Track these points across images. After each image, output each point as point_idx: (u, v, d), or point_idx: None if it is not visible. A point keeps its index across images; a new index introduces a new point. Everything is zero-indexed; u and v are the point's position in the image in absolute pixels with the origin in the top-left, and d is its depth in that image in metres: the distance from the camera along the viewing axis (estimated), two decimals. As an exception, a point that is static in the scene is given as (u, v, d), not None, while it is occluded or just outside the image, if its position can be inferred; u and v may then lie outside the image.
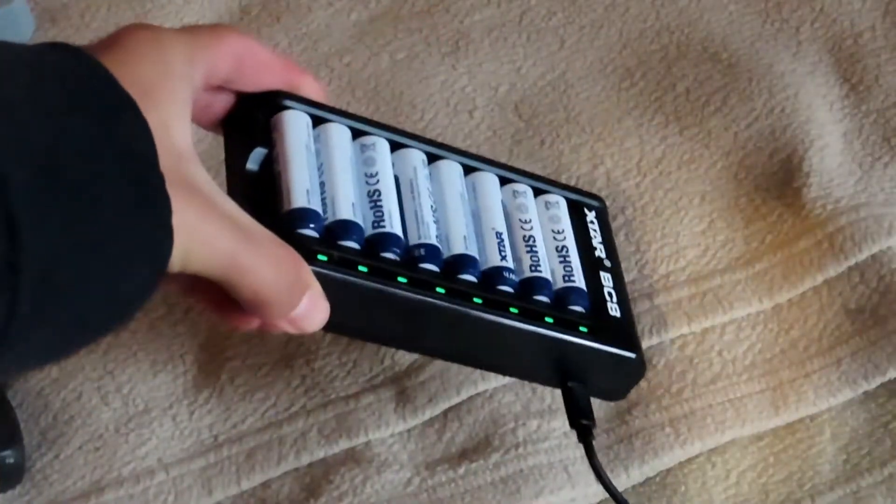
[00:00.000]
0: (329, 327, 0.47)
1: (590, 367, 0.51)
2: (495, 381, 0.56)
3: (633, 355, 0.51)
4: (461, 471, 0.55)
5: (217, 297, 0.45)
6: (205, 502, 0.55)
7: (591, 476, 0.55)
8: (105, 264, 0.38)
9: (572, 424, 0.52)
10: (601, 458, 0.55)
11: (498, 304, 0.49)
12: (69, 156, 0.37)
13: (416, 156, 0.51)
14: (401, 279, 0.47)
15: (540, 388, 0.56)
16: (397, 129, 0.52)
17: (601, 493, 0.55)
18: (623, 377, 0.52)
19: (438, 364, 0.56)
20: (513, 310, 0.49)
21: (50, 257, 0.36)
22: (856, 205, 0.57)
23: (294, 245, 0.44)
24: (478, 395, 0.56)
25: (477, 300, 0.48)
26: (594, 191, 0.59)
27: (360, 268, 0.46)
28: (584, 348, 0.50)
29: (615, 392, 0.53)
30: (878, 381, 0.55)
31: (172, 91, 0.42)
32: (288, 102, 0.48)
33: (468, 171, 0.52)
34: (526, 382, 0.56)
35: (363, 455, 0.56)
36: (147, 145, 0.39)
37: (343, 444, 0.56)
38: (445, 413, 0.56)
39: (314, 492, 0.55)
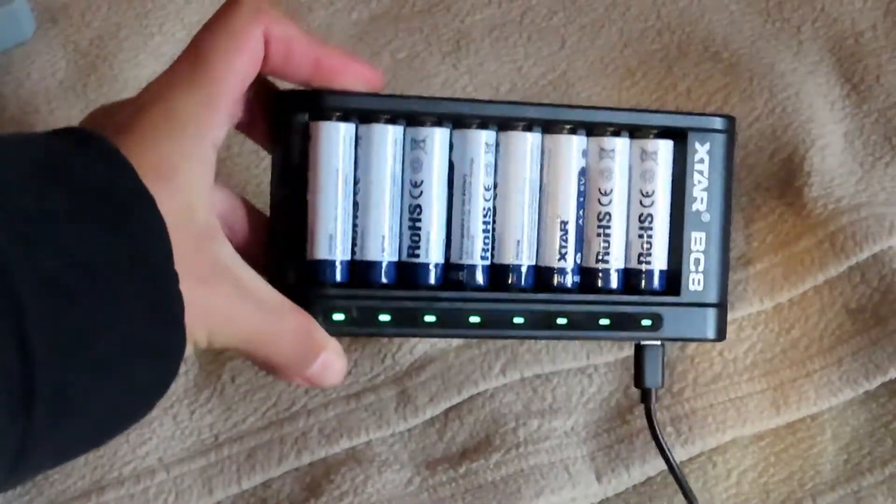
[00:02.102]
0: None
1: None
2: (496, 380, 0.56)
3: (706, 337, 0.48)
4: (462, 470, 0.55)
5: None
6: (205, 502, 0.55)
7: (592, 476, 0.55)
8: (119, 375, 0.38)
9: (637, 384, 0.50)
10: (602, 458, 0.55)
11: (542, 317, 0.47)
12: (79, 277, 0.36)
13: (477, 141, 0.46)
14: (427, 318, 0.46)
15: (540, 387, 0.56)
16: (464, 101, 0.47)
17: (601, 493, 0.55)
18: (700, 342, 0.50)
19: (439, 364, 0.56)
20: (560, 321, 0.47)
21: (63, 376, 0.35)
22: (857, 204, 0.57)
23: (309, 304, 0.44)
24: (479, 394, 0.56)
25: (517, 320, 0.46)
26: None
27: (382, 316, 0.45)
28: (647, 337, 0.48)
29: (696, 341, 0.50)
30: (880, 380, 0.55)
31: (191, 169, 0.41)
32: (330, 104, 0.45)
33: (549, 128, 0.47)
34: (527, 382, 0.56)
35: (364, 454, 0.56)
36: (162, 244, 0.38)
37: (344, 444, 0.56)
38: (446, 413, 0.56)
39: (315, 491, 0.55)
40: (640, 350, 0.50)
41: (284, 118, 0.46)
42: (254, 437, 0.56)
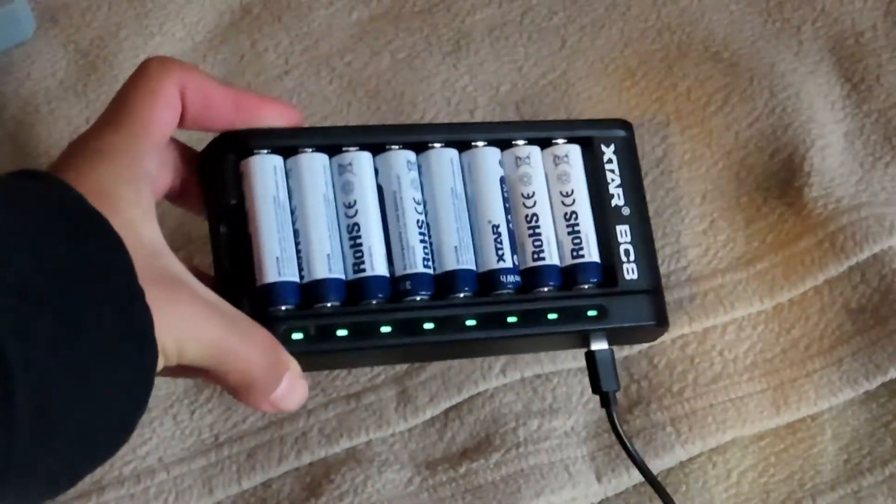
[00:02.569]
0: (318, 368, 0.47)
1: (610, 334, 0.50)
2: (496, 380, 0.56)
3: (650, 324, 0.49)
4: (462, 470, 0.55)
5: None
6: (205, 502, 0.55)
7: (592, 476, 0.55)
8: (96, 384, 0.38)
9: (594, 390, 0.51)
10: (602, 458, 0.55)
11: (493, 317, 0.47)
12: (49, 283, 0.37)
13: (399, 160, 0.48)
14: (384, 329, 0.46)
15: (541, 387, 0.56)
16: (380, 128, 0.50)
17: (601, 493, 0.55)
18: (645, 335, 0.50)
19: (439, 364, 0.56)
20: (511, 319, 0.48)
21: (42, 386, 0.36)
22: (857, 204, 0.57)
23: (268, 327, 0.44)
24: (479, 394, 0.56)
25: (470, 322, 0.47)
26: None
27: (339, 331, 0.46)
28: (595, 332, 0.49)
29: (642, 340, 0.51)
30: (880, 380, 0.55)
31: (128, 191, 0.42)
32: (256, 145, 0.46)
33: (464, 147, 0.49)
34: (527, 382, 0.56)
35: (364, 454, 0.56)
36: (122, 258, 0.39)
37: (344, 444, 0.56)
38: (446, 412, 0.56)
39: (315, 491, 0.55)
40: (591, 356, 0.50)
41: (215, 164, 0.47)
42: (254, 436, 0.56)
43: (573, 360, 0.56)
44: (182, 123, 0.46)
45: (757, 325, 0.57)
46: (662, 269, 0.57)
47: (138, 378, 0.40)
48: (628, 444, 0.51)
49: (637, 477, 0.55)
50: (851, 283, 0.56)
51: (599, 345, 0.50)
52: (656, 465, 0.55)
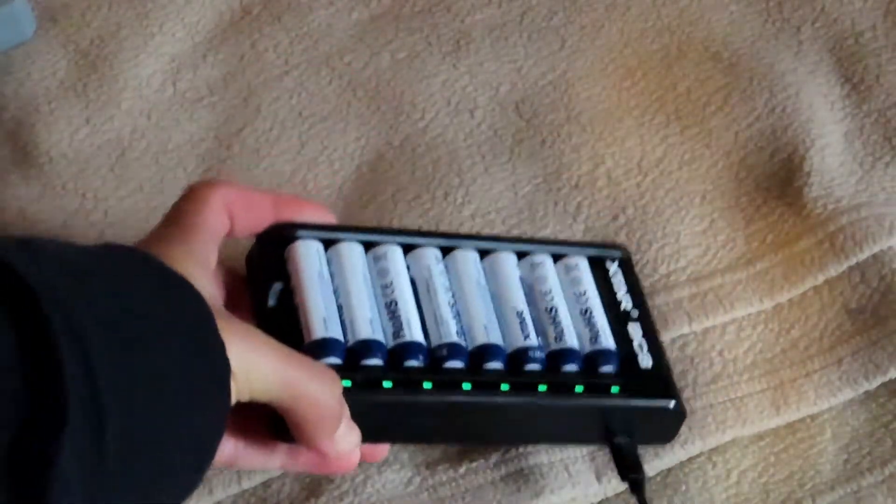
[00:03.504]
0: (368, 437, 0.49)
1: (630, 421, 0.52)
2: (496, 380, 0.56)
3: (669, 403, 0.51)
4: (462, 470, 0.55)
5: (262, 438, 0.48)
6: (206, 502, 0.55)
7: (592, 475, 0.55)
8: (177, 421, 0.40)
9: (623, 478, 0.52)
10: (602, 458, 0.55)
11: (525, 385, 0.49)
12: (138, 322, 0.39)
13: (429, 254, 0.51)
14: (426, 385, 0.48)
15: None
16: (409, 231, 0.54)
17: (601, 493, 0.55)
18: (666, 424, 0.52)
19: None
20: (541, 388, 0.50)
21: (132, 422, 0.37)
22: (857, 204, 0.57)
23: None
24: (478, 394, 0.56)
25: (504, 387, 0.49)
26: (594, 191, 0.59)
27: (385, 383, 0.48)
28: (619, 407, 0.51)
29: (662, 437, 0.53)
30: (879, 380, 0.55)
31: (195, 269, 0.45)
32: (299, 233, 0.50)
33: (484, 254, 0.53)
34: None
35: (364, 454, 0.56)
36: (204, 310, 0.42)
37: (344, 444, 0.56)
38: (446, 412, 0.56)
39: (315, 491, 0.55)
40: (614, 446, 0.52)
41: (262, 253, 0.50)
42: (254, 436, 0.56)
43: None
44: (232, 232, 0.49)
45: (757, 325, 0.57)
46: (662, 270, 0.57)
47: (214, 421, 0.42)
48: None
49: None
50: (851, 284, 0.56)
51: (622, 438, 0.52)
52: (656, 466, 0.55)
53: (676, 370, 0.56)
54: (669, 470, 0.55)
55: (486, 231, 0.59)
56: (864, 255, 0.56)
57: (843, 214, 0.56)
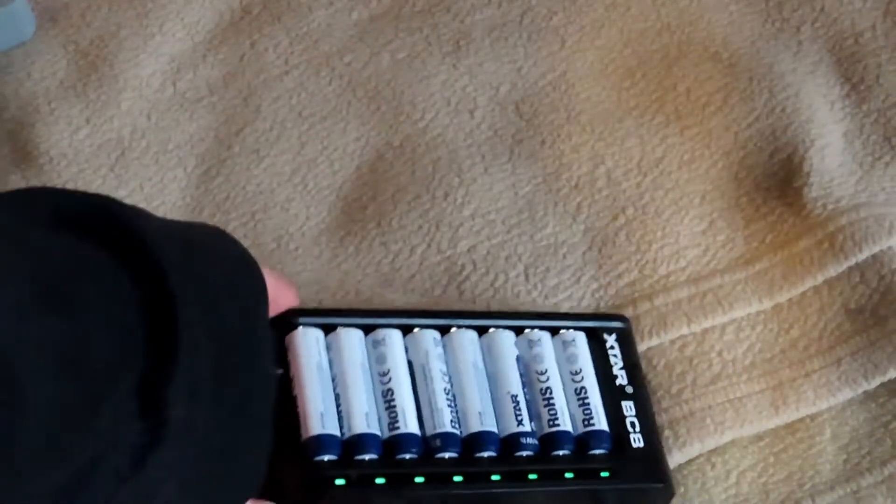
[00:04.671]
0: None
1: (622, 500, 0.53)
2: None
3: (658, 485, 0.52)
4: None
5: None
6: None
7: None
8: (250, 389, 0.44)
9: None
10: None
11: (516, 474, 0.50)
12: (225, 293, 0.43)
13: (427, 339, 0.52)
14: (417, 480, 0.49)
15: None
16: (408, 312, 0.54)
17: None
18: (656, 501, 0.53)
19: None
20: (532, 476, 0.50)
21: (220, 367, 0.41)
22: (856, 204, 0.57)
23: (313, 475, 0.48)
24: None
25: (495, 477, 0.50)
26: (594, 191, 0.59)
27: (378, 480, 0.49)
28: (609, 490, 0.52)
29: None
30: (878, 380, 0.55)
31: None
32: (300, 319, 0.51)
33: (483, 330, 0.53)
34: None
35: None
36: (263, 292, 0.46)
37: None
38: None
39: (314, 491, 0.55)
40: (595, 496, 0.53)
41: None
42: (254, 437, 0.56)
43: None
44: None
45: (756, 326, 0.57)
46: (661, 270, 0.57)
47: (265, 437, 0.45)
48: None
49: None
50: (850, 284, 0.56)
51: (610, 489, 0.53)
52: (655, 466, 0.55)
53: (675, 371, 0.56)
54: (669, 470, 0.55)
55: (486, 232, 0.59)
56: (863, 255, 0.56)
57: (842, 214, 0.56)
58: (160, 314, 0.39)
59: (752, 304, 0.56)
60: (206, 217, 0.60)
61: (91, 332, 0.38)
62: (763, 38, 0.63)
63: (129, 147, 0.63)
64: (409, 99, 0.63)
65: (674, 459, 0.54)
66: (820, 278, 0.56)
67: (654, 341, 0.56)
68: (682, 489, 0.54)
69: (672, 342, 0.56)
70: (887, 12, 0.63)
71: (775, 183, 0.59)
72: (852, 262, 0.56)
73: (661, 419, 0.55)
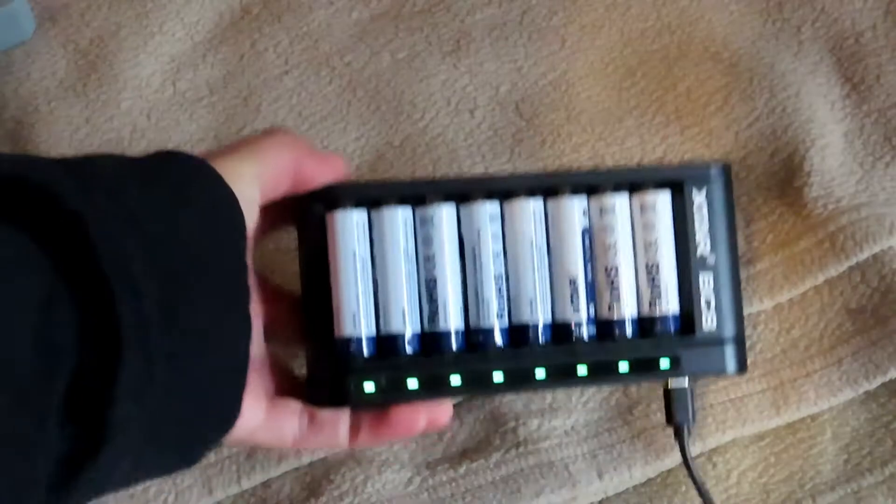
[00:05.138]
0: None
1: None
2: (496, 380, 0.56)
3: (723, 371, 0.50)
4: (462, 470, 0.55)
5: None
6: (205, 501, 0.55)
7: (593, 474, 0.55)
8: (213, 342, 0.42)
9: (668, 421, 0.52)
10: (603, 456, 0.55)
11: (564, 369, 0.49)
12: (189, 262, 0.41)
13: (482, 213, 0.49)
14: (453, 381, 0.48)
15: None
16: (466, 180, 0.51)
17: (602, 493, 0.55)
18: (723, 375, 0.51)
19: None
20: (581, 371, 0.49)
21: (176, 344, 0.40)
22: (857, 204, 0.57)
23: (343, 375, 0.48)
24: (478, 394, 0.56)
25: (539, 373, 0.49)
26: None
27: (410, 382, 0.48)
28: (666, 382, 0.51)
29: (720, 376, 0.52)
30: (880, 380, 0.55)
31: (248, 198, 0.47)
32: (343, 195, 0.49)
33: (550, 192, 0.50)
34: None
35: (364, 454, 0.56)
36: (240, 229, 0.45)
37: (344, 444, 0.56)
38: (446, 412, 0.56)
39: (315, 491, 0.55)
40: (668, 393, 0.52)
41: (304, 215, 0.50)
42: (254, 436, 0.56)
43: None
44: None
45: (756, 325, 0.57)
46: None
47: (239, 346, 0.43)
48: (695, 474, 0.53)
49: (638, 477, 0.55)
50: (851, 283, 0.56)
51: (678, 383, 0.51)
52: (657, 467, 0.55)
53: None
54: (670, 471, 0.55)
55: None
56: (864, 255, 0.56)
57: (843, 214, 0.56)
58: (93, 302, 0.37)
59: (752, 304, 0.56)
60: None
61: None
62: (763, 38, 0.63)
63: (129, 147, 0.63)
64: (409, 99, 0.63)
65: (674, 458, 0.54)
66: (821, 278, 0.56)
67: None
68: (683, 488, 0.55)
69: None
70: (888, 12, 0.63)
71: (776, 183, 0.59)
72: (853, 261, 0.56)
73: (663, 418, 0.55)
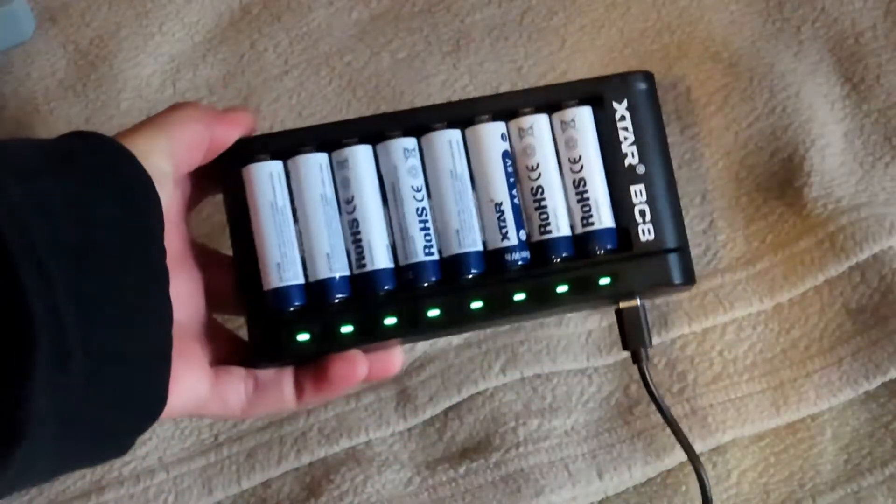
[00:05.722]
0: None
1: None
2: (496, 379, 0.56)
3: (668, 282, 0.48)
4: (462, 470, 0.55)
5: None
6: (205, 502, 0.55)
7: (593, 474, 0.55)
8: (132, 334, 0.41)
9: (624, 347, 0.50)
10: (603, 455, 0.55)
11: (500, 297, 0.47)
12: (98, 243, 0.40)
13: (396, 150, 0.48)
14: (388, 321, 0.47)
15: (540, 387, 0.56)
16: (379, 117, 0.50)
17: (602, 493, 0.55)
18: (671, 290, 0.49)
19: (439, 363, 0.56)
20: (518, 298, 0.47)
21: (91, 332, 0.39)
22: (857, 204, 0.57)
23: (274, 330, 0.47)
24: (478, 393, 0.56)
25: (475, 305, 0.47)
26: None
27: (343, 328, 0.47)
28: (623, 307, 0.49)
29: (670, 293, 0.50)
30: (879, 380, 0.55)
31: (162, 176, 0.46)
32: (256, 148, 0.48)
33: (467, 123, 0.49)
34: (527, 381, 0.56)
35: (364, 454, 0.56)
36: (159, 216, 0.44)
37: (343, 444, 0.56)
38: (446, 412, 0.56)
39: (315, 491, 0.55)
40: (619, 314, 0.50)
41: (223, 174, 0.49)
42: (254, 436, 0.56)
43: (573, 361, 0.56)
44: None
45: (757, 326, 0.57)
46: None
47: (160, 326, 0.43)
48: (659, 401, 0.51)
49: (638, 477, 0.55)
50: (851, 284, 0.56)
51: (628, 302, 0.49)
52: (657, 466, 0.55)
53: (676, 370, 0.56)
54: (670, 470, 0.55)
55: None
56: (864, 255, 0.56)
57: (843, 214, 0.56)
58: (2, 294, 0.36)
59: (752, 304, 0.56)
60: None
61: None
62: (763, 38, 0.63)
63: (129, 147, 0.63)
64: (410, 98, 0.63)
65: (675, 458, 0.54)
66: (821, 278, 0.56)
67: (656, 340, 0.56)
68: (683, 488, 0.55)
69: (673, 341, 0.56)
70: (888, 12, 0.63)
71: (776, 183, 0.59)
72: (853, 261, 0.56)
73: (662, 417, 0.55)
